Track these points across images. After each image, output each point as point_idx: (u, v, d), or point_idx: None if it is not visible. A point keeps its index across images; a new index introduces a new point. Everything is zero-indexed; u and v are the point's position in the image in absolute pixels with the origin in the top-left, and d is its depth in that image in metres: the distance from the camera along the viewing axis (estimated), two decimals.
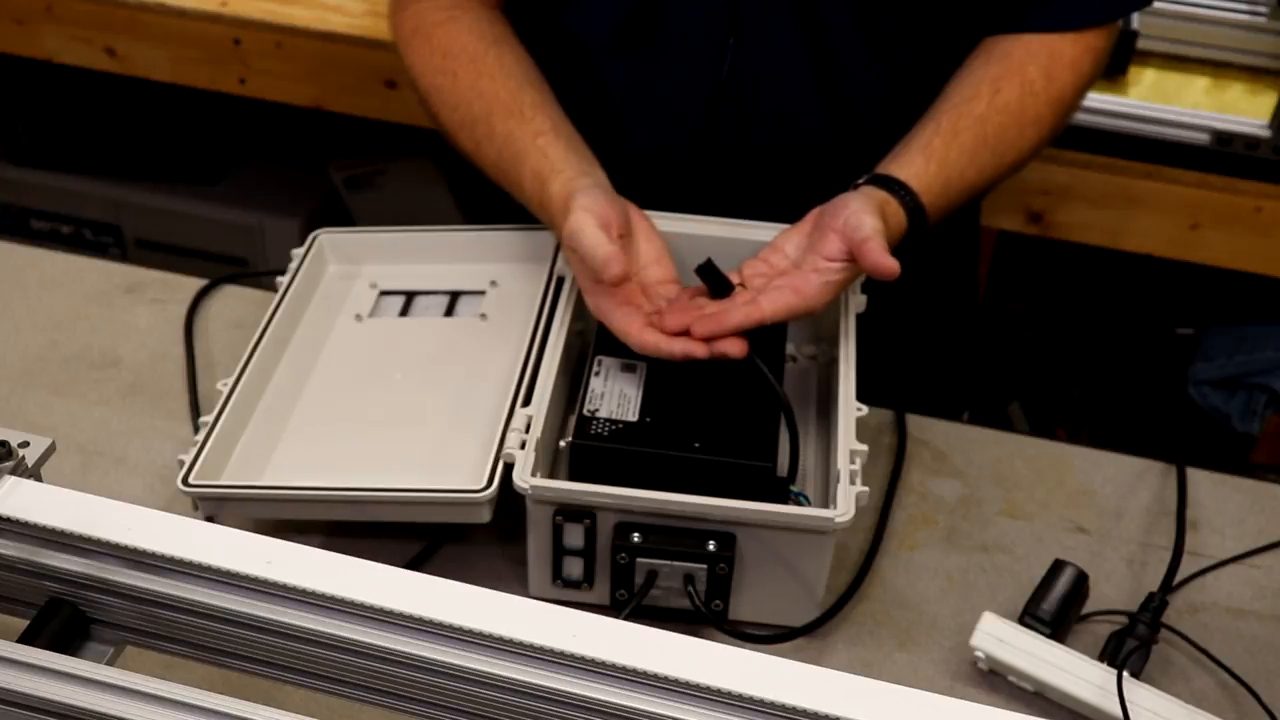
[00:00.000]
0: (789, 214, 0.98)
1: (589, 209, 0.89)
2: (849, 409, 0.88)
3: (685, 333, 0.88)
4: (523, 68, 1.02)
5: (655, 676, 0.59)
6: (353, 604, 0.61)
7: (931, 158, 0.95)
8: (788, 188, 1.05)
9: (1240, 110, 1.52)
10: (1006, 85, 0.98)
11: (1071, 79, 1.00)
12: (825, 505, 0.85)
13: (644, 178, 1.05)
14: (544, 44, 1.06)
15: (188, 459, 0.86)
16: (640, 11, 1.01)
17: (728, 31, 1.00)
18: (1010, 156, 0.99)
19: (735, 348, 0.87)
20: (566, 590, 0.87)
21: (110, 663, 0.66)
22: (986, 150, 0.97)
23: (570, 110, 1.02)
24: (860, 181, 0.95)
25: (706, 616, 0.84)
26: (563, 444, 0.88)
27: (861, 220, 0.88)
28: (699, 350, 0.87)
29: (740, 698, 0.58)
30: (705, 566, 0.83)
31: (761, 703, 0.58)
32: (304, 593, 0.62)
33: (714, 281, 0.91)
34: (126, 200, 2.04)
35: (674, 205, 1.01)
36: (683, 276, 1.00)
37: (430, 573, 0.63)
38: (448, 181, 2.02)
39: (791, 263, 0.92)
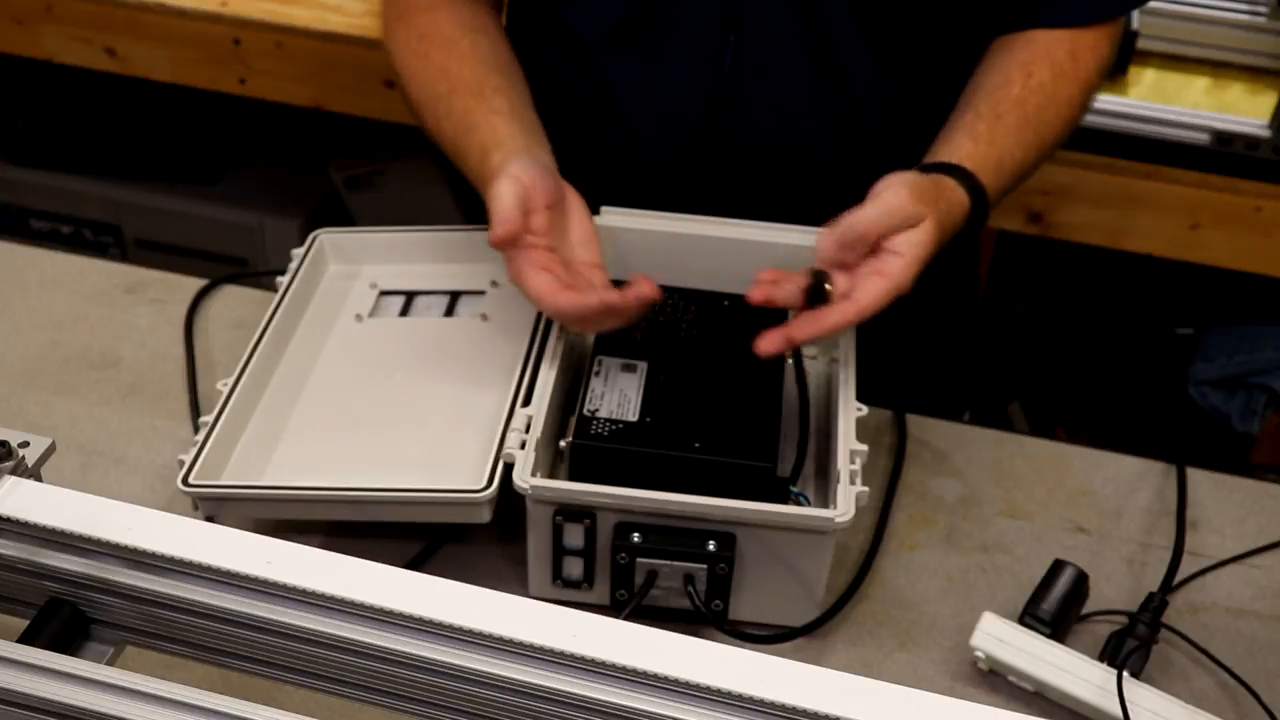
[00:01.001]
0: (790, 211, 0.98)
1: (516, 177, 0.88)
2: (849, 409, 0.88)
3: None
4: (495, 54, 1.02)
5: (655, 676, 0.59)
6: (353, 604, 0.61)
7: (979, 139, 0.96)
8: (788, 185, 1.06)
9: (1240, 110, 1.52)
10: (1038, 69, 0.99)
11: (1094, 61, 1.02)
12: (825, 505, 0.85)
13: (645, 174, 1.05)
14: (546, 40, 1.06)
15: (188, 459, 0.86)
16: (639, 8, 1.01)
17: (727, 28, 1.00)
18: (1049, 137, 1.00)
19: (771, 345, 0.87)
20: (566, 590, 0.87)
21: (110, 663, 0.66)
22: (1029, 130, 0.98)
23: (572, 107, 1.02)
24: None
25: (706, 616, 0.84)
26: (563, 444, 0.88)
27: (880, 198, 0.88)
28: (612, 297, 0.87)
29: (740, 698, 0.58)
30: (705, 566, 0.83)
31: (761, 703, 0.58)
32: (304, 593, 0.62)
33: (816, 293, 0.89)
34: (126, 200, 2.04)
35: (675, 202, 1.01)
36: (686, 277, 1.00)
37: (430, 573, 0.63)
38: (448, 181, 2.02)
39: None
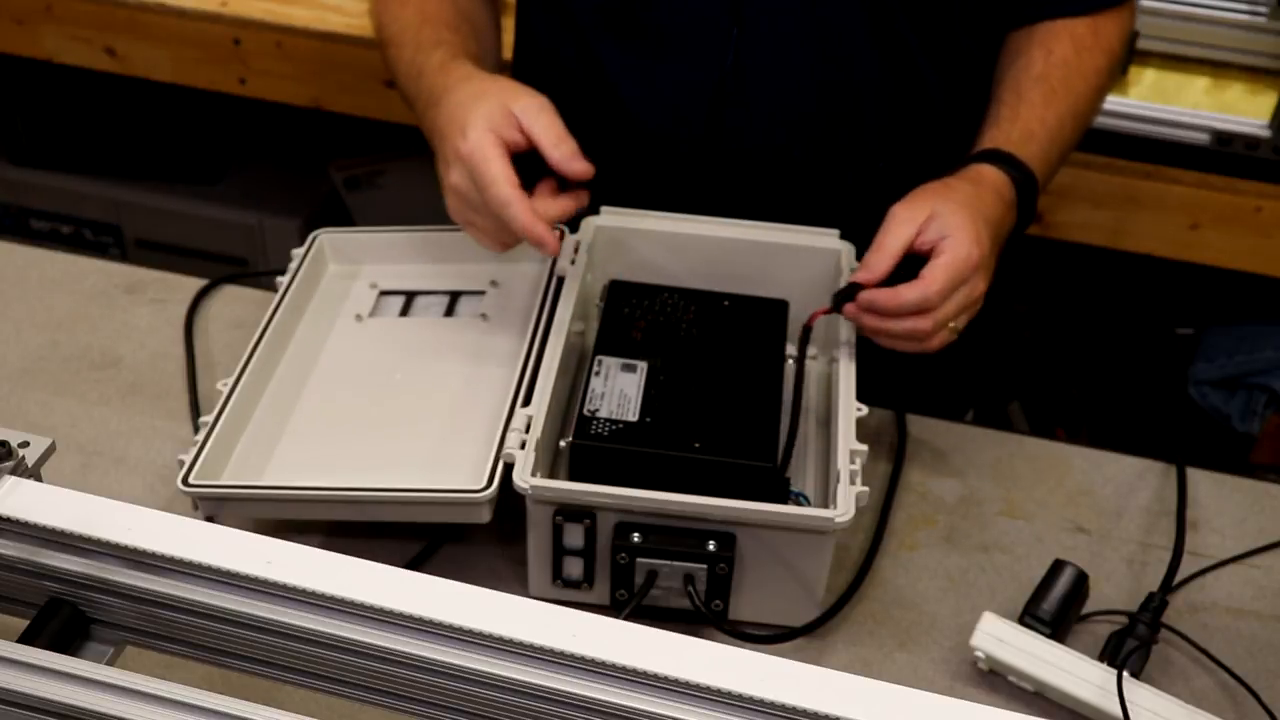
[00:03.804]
0: (794, 207, 0.98)
1: (490, 128, 0.88)
2: (849, 409, 0.88)
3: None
4: (473, 11, 1.05)
5: (655, 676, 0.59)
6: (353, 604, 0.61)
7: (1002, 121, 0.97)
8: (792, 181, 1.05)
9: (1240, 110, 1.51)
10: (1058, 45, 1.00)
11: (1116, 29, 1.03)
12: (825, 505, 0.85)
13: (649, 168, 1.05)
14: (550, 27, 1.06)
15: (188, 459, 0.86)
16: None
17: (731, 22, 1.00)
18: (1082, 105, 1.00)
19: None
20: (566, 590, 0.87)
21: (110, 663, 0.66)
22: (1058, 101, 0.98)
23: (573, 100, 1.02)
24: None
25: (706, 616, 0.84)
26: (563, 444, 0.88)
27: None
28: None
29: (740, 698, 0.58)
30: (705, 566, 0.83)
31: (761, 703, 0.58)
32: (304, 593, 0.62)
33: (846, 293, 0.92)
34: (126, 200, 2.04)
35: (677, 196, 1.01)
36: (686, 277, 1.00)
37: (430, 573, 0.63)
38: None
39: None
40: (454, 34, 0.99)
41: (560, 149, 0.89)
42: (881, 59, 1.02)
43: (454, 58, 0.95)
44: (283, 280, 1.03)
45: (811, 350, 1.04)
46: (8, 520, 0.65)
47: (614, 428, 0.87)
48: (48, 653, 0.61)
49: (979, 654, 0.85)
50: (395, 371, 0.99)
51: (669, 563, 0.83)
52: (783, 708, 0.58)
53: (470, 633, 0.60)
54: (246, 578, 0.63)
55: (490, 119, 0.87)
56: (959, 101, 1.04)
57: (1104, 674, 0.83)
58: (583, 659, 0.59)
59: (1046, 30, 1.01)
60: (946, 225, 0.89)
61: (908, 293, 0.88)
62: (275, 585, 0.62)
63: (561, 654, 0.59)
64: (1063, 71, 0.98)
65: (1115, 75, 1.04)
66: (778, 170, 1.06)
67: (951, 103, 1.05)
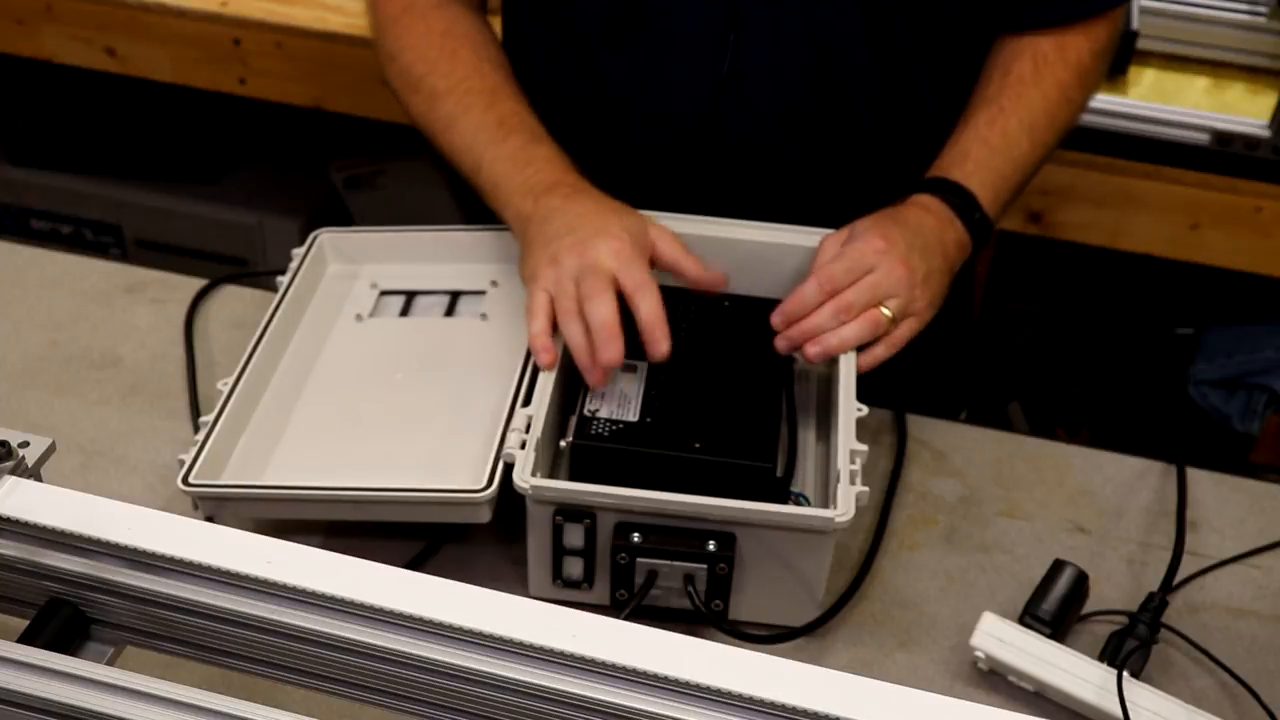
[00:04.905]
0: (791, 210, 0.98)
1: (639, 233, 0.93)
2: (849, 409, 0.88)
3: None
4: (508, 67, 1.05)
5: (655, 676, 0.59)
6: (353, 604, 0.61)
7: (941, 153, 0.98)
8: (789, 184, 1.06)
9: (1240, 110, 1.52)
10: (1017, 63, 1.00)
11: (1087, 44, 1.02)
12: (825, 505, 0.85)
13: (644, 172, 1.05)
14: (543, 37, 1.06)
15: (188, 459, 0.86)
16: (638, 4, 1.01)
17: (728, 27, 1.00)
18: (1038, 117, 1.01)
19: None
20: (566, 590, 0.87)
21: (110, 663, 0.66)
22: (1005, 115, 0.99)
23: (570, 103, 1.01)
24: None
25: (706, 616, 0.84)
26: (563, 444, 0.88)
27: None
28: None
29: (740, 698, 0.58)
30: (705, 566, 0.83)
31: (761, 703, 0.58)
32: (304, 593, 0.62)
33: None
34: (126, 200, 2.05)
35: (675, 200, 1.01)
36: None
37: (430, 573, 0.63)
38: (448, 181, 2.02)
39: None
40: (529, 112, 1.01)
41: (696, 265, 0.95)
42: (878, 65, 1.02)
43: (561, 154, 0.98)
44: (283, 280, 1.03)
45: None
46: (8, 520, 0.65)
47: (614, 428, 0.87)
48: (48, 653, 0.61)
49: (979, 654, 0.85)
50: (395, 371, 0.99)
51: (669, 563, 0.83)
52: (783, 708, 0.58)
53: (470, 633, 0.60)
54: (246, 578, 0.63)
55: (638, 228, 0.93)
56: (954, 109, 1.05)
57: (1104, 674, 0.83)
58: (583, 659, 0.59)
59: (1012, 48, 1.01)
60: (854, 232, 0.94)
61: (806, 284, 0.92)
62: (275, 585, 0.62)
63: (561, 654, 0.59)
64: (1016, 89, 1.00)
65: (1088, 88, 1.04)
66: (774, 173, 1.06)
67: (946, 110, 1.05)
